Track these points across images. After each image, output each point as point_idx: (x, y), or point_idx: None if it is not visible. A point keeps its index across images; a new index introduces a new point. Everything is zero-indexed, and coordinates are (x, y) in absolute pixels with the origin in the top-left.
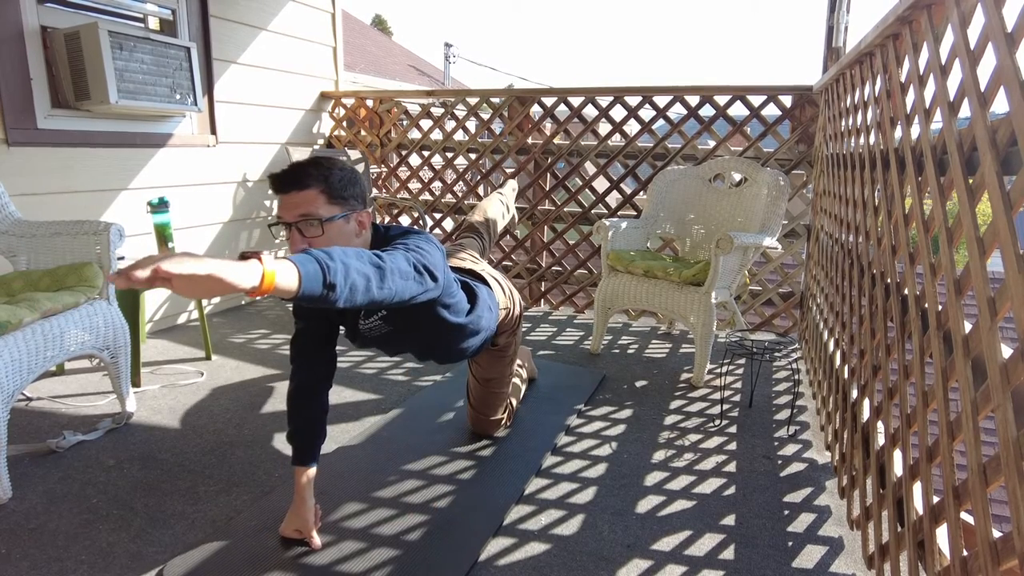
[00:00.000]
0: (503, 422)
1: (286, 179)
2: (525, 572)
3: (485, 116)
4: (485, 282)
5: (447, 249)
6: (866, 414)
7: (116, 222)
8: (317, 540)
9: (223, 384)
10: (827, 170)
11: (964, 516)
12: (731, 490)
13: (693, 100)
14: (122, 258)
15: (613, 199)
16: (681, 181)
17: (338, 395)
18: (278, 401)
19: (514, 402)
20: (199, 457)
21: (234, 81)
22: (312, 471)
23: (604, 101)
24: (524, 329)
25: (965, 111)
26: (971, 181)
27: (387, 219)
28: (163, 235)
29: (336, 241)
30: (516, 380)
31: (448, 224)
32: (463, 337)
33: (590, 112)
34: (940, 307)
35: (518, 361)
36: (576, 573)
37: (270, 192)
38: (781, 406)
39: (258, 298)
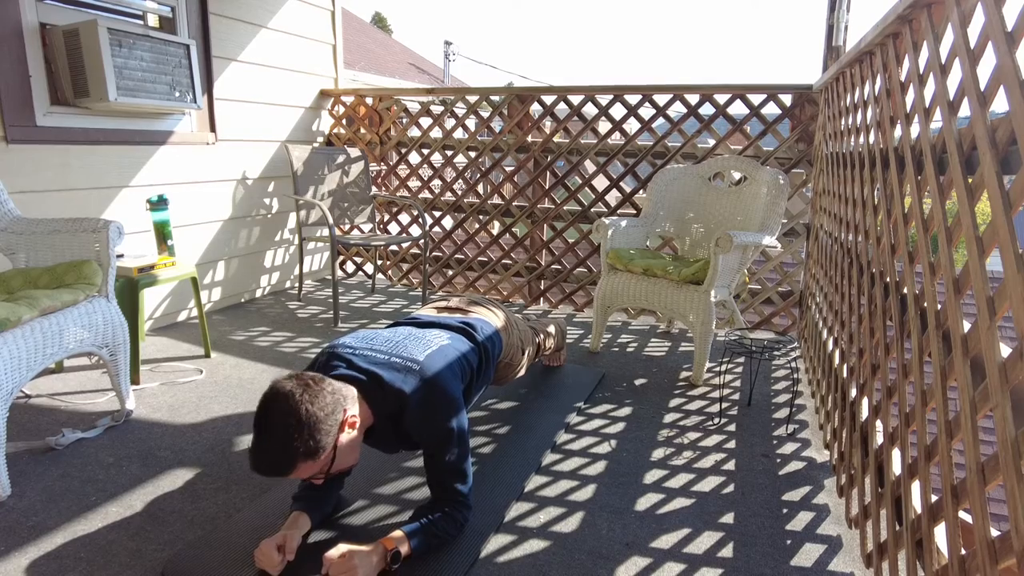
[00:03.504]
0: (529, 364)
1: (268, 476)
2: (524, 570)
3: (485, 114)
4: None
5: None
6: (865, 413)
7: (115, 220)
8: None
9: (222, 382)
10: (827, 169)
11: (962, 515)
12: (730, 488)
13: (693, 99)
14: (121, 256)
15: (613, 198)
16: (681, 180)
17: None
18: None
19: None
20: (198, 455)
21: (234, 79)
22: (307, 521)
23: (604, 99)
24: None
25: (965, 110)
26: (970, 180)
27: (387, 217)
28: (162, 233)
29: (342, 457)
30: (540, 343)
31: (447, 222)
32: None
33: (590, 110)
34: (939, 306)
35: (549, 329)
36: (575, 571)
37: (270, 189)
38: (780, 405)
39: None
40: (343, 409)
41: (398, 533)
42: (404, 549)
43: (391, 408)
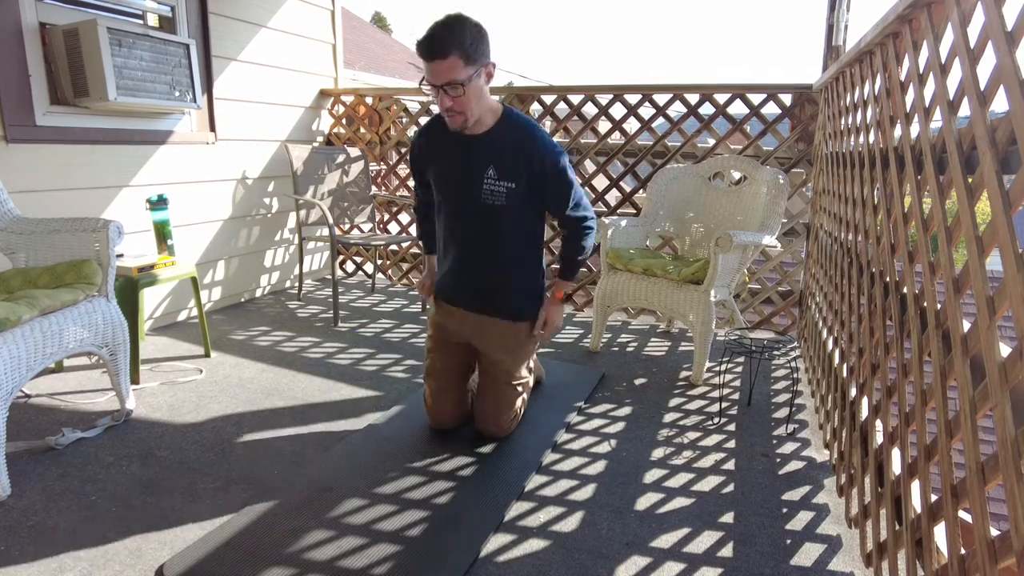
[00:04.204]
0: (514, 423)
1: (429, 49)
2: (524, 569)
3: None
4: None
5: None
6: (864, 412)
7: (115, 219)
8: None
9: (222, 381)
10: (826, 168)
11: (962, 515)
12: (730, 488)
13: (693, 98)
14: (121, 255)
15: (612, 197)
16: (681, 179)
17: (338, 391)
18: (277, 398)
19: (524, 404)
20: (198, 454)
21: (233, 78)
22: (434, 262)
23: (604, 99)
24: None
25: (965, 110)
26: (970, 180)
27: (386, 216)
28: (162, 232)
29: (474, 95)
30: (528, 382)
31: None
32: (531, 266)
33: (590, 110)
34: (939, 306)
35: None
36: (575, 570)
37: (270, 189)
38: (780, 404)
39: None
40: (492, 60)
41: (560, 281)
42: (569, 288)
43: (519, 128)
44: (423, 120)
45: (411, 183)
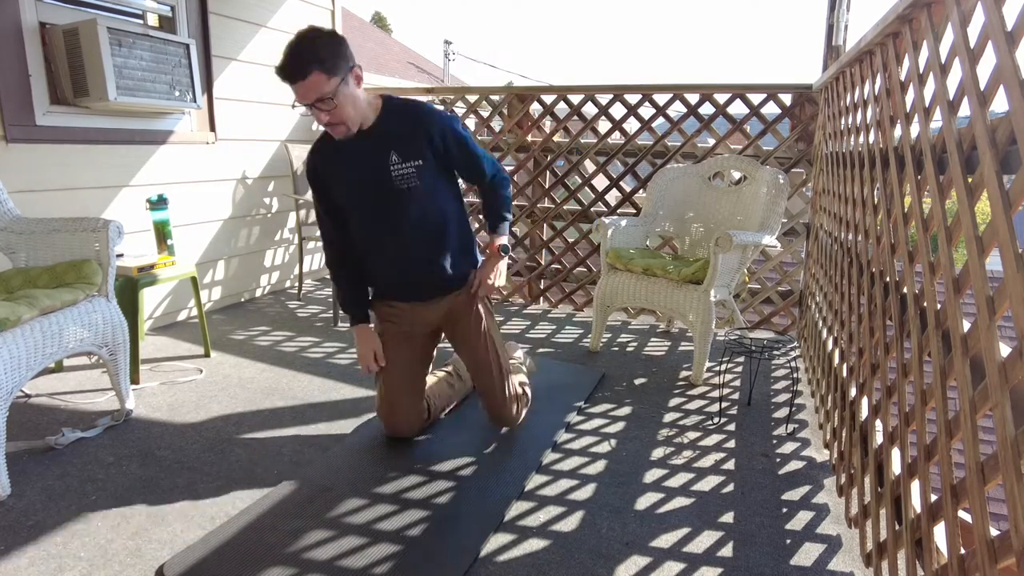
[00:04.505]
0: (523, 409)
1: (288, 73)
2: (524, 569)
3: (484, 114)
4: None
5: None
6: (864, 412)
7: (115, 219)
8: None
9: (222, 381)
10: (826, 168)
11: (962, 514)
12: (729, 488)
13: (693, 98)
14: (121, 255)
15: (612, 197)
16: (680, 179)
17: (338, 391)
18: (277, 398)
19: (524, 389)
20: (198, 454)
21: (233, 78)
22: (370, 330)
23: (604, 99)
24: (523, 326)
25: (965, 110)
26: (970, 180)
27: None
28: (162, 232)
29: (348, 103)
30: (522, 376)
31: None
32: (465, 231)
33: (590, 110)
34: (939, 306)
35: (518, 357)
36: (575, 570)
37: (270, 189)
38: (780, 404)
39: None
40: (355, 62)
41: (492, 234)
42: (503, 240)
43: (406, 109)
44: None
45: None
